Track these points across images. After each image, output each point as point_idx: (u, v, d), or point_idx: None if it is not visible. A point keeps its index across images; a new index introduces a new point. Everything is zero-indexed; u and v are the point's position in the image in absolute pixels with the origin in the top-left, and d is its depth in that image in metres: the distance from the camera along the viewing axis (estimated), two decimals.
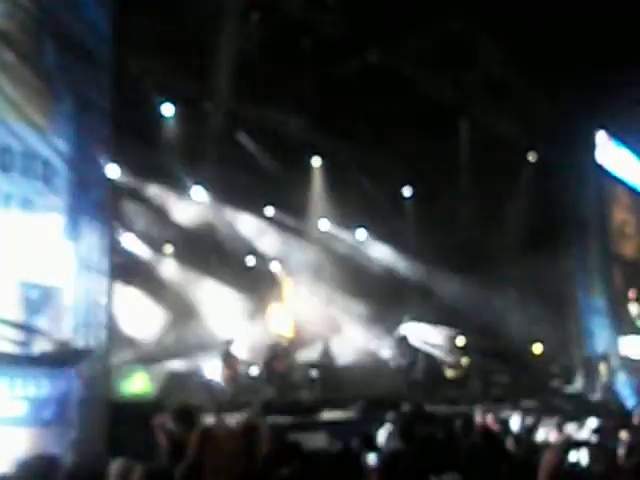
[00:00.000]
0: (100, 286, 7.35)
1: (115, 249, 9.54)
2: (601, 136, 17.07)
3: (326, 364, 14.48)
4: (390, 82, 13.41)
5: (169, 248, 14.72)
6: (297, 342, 15.43)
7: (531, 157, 16.52)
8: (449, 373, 14.83)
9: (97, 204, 7.40)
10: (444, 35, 12.85)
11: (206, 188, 14.17)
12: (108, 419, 7.39)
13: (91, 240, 7.34)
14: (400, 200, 17.19)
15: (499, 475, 4.72)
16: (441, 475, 4.22)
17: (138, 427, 7.08)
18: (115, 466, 4.74)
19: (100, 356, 7.44)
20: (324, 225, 16.51)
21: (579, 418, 9.18)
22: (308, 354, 14.71)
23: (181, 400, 7.76)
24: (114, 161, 8.19)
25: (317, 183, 15.93)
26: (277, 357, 13.21)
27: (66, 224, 7.23)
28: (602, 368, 14.95)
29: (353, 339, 15.89)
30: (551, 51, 13.27)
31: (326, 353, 14.70)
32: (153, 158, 12.92)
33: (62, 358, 7.12)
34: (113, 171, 9.96)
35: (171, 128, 13.12)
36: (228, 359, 12.18)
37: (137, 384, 10.91)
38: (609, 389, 14.61)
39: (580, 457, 4.97)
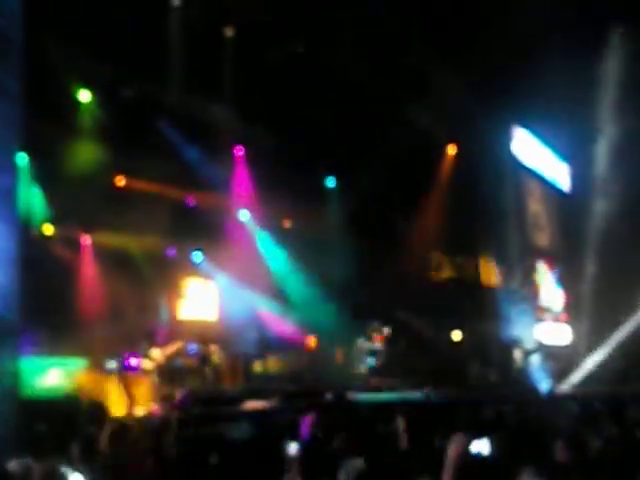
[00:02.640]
0: (8, 277, 7.06)
1: (25, 238, 9.20)
2: (517, 129, 17.64)
3: (254, 354, 14.51)
4: (314, 70, 13.45)
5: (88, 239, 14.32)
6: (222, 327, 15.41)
7: (450, 149, 16.89)
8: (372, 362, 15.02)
9: (5, 191, 7.10)
10: (366, 25, 12.95)
11: (127, 175, 13.85)
12: (19, 416, 7.14)
13: (1, 230, 7.05)
14: (323, 190, 17.27)
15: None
16: (348, 461, 4.28)
17: (52, 423, 6.88)
18: (13, 464, 4.58)
19: (10, 349, 7.16)
20: (244, 216, 16.41)
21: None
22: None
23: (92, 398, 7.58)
24: (24, 148, 7.86)
25: (240, 172, 15.84)
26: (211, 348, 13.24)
27: None
28: (517, 353, 15.51)
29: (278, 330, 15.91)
30: (471, 44, 13.57)
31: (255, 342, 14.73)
32: (69, 144, 12.51)
33: None
34: (22, 158, 9.59)
35: (88, 115, 12.75)
36: (150, 351, 11.99)
37: (51, 379, 10.58)
38: (523, 373, 15.15)
39: (482, 447, 5.08)
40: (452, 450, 3.24)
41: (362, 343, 14.92)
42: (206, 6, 12.58)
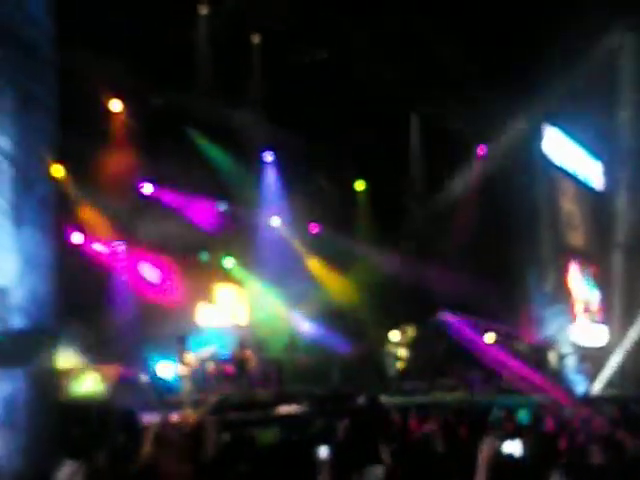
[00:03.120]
0: (47, 285, 7.21)
1: (64, 247, 9.37)
2: (548, 127, 17.45)
3: (285, 359, 14.57)
4: (340, 74, 13.50)
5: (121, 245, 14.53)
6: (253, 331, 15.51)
7: (480, 150, 16.78)
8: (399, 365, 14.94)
9: (41, 201, 7.25)
10: (394, 30, 12.95)
11: (157, 184, 14.03)
12: (57, 421, 7.27)
13: (37, 238, 7.20)
14: (353, 194, 17.29)
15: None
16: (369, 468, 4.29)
17: (88, 428, 6.99)
18: (64, 469, 4.67)
19: (48, 356, 7.31)
20: (276, 221, 16.51)
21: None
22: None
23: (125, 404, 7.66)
24: (60, 158, 8.02)
25: (270, 177, 15.93)
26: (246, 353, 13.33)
27: (10, 223, 7.07)
28: (551, 355, 15.30)
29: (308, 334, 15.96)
30: (500, 45, 13.49)
31: (288, 347, 14.79)
32: (101, 154, 12.71)
33: (10, 359, 6.98)
34: (58, 169, 9.76)
35: (120, 123, 12.94)
36: (183, 356, 12.10)
37: (88, 385, 10.75)
38: (558, 375, 14.95)
39: (514, 448, 5.05)
40: (484, 451, 3.22)
41: (391, 346, 14.83)
42: (233, 14, 12.71)
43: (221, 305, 16.05)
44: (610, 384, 15.05)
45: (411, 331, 14.97)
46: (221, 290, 16.14)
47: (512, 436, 4.99)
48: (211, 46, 12.76)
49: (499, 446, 3.20)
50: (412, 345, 14.94)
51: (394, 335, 14.70)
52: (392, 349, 14.74)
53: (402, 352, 14.78)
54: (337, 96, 13.93)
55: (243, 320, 16.27)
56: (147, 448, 5.17)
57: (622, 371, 15.53)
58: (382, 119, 14.46)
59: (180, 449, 5.13)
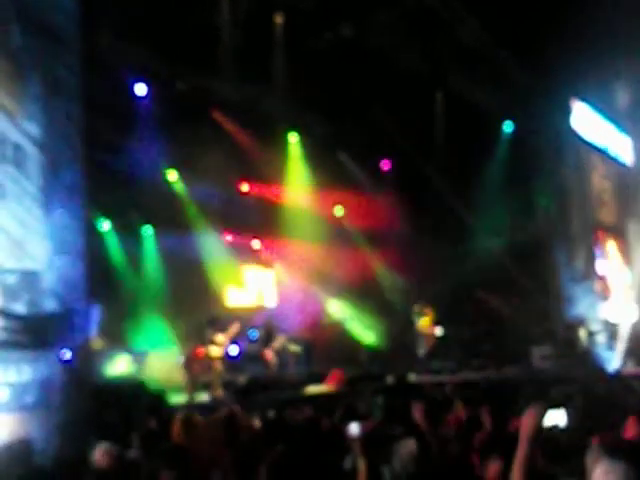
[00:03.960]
0: (76, 268, 7.31)
1: (90, 231, 9.47)
2: (576, 103, 17.13)
3: (311, 339, 14.61)
4: (364, 54, 13.37)
5: (148, 229, 14.68)
6: (281, 312, 15.59)
7: (507, 127, 16.55)
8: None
9: (70, 186, 7.34)
10: (415, 6, 12.77)
11: (179, 168, 14.12)
12: (91, 402, 7.40)
13: (65, 223, 7.28)
14: (379, 174, 17.19)
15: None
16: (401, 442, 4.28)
17: (119, 411, 7.10)
18: (99, 450, 4.75)
19: (81, 339, 7.42)
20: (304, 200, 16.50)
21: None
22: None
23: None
24: (87, 142, 8.07)
25: (294, 158, 15.92)
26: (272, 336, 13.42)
27: (39, 207, 7.16)
28: (582, 332, 15.15)
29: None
30: (525, 19, 13.23)
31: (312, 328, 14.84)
32: (128, 139, 12.77)
33: (43, 342, 7.09)
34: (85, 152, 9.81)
35: (145, 108, 12.97)
36: (215, 336, 12.19)
37: (120, 367, 10.91)
38: (588, 353, 14.81)
39: (558, 419, 5.02)
40: (526, 421, 3.15)
41: (419, 326, 14.72)
42: None
43: (249, 287, 16.15)
44: None
45: (440, 311, 14.88)
46: (249, 272, 16.23)
47: (556, 406, 4.94)
48: (234, 28, 12.69)
49: (542, 416, 3.12)
50: (442, 325, 14.85)
51: (424, 314, 14.61)
52: (422, 328, 14.64)
53: (432, 331, 14.68)
54: (361, 76, 13.79)
55: (271, 302, 16.35)
56: (176, 433, 5.22)
57: None
58: (407, 97, 14.30)
59: (211, 434, 5.16)
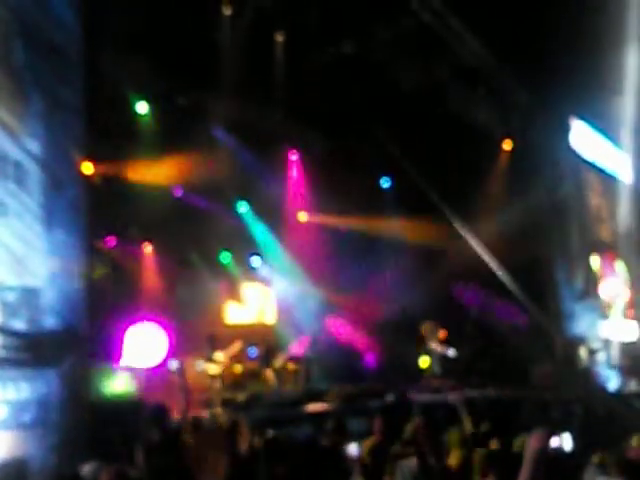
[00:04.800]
0: (77, 286, 7.29)
1: (92, 248, 9.46)
2: (575, 121, 17.20)
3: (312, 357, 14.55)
4: (364, 71, 13.45)
5: (148, 246, 14.66)
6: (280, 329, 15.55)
7: (506, 145, 16.59)
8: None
9: (71, 203, 7.34)
10: (415, 24, 12.86)
11: (179, 184, 14.15)
12: (89, 420, 7.35)
13: (66, 240, 7.28)
14: (379, 191, 17.20)
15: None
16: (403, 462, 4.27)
17: (119, 427, 7.06)
18: (87, 469, 4.72)
19: (79, 356, 7.39)
20: (303, 217, 16.51)
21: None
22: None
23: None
24: (89, 159, 8.09)
25: (294, 175, 15.97)
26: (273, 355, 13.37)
27: (40, 224, 7.16)
28: (582, 351, 15.10)
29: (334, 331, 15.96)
30: (524, 36, 13.32)
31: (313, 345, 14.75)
32: (129, 156, 12.80)
33: (42, 360, 7.06)
34: (87, 170, 9.84)
35: (146, 125, 13.03)
36: (213, 354, 12.16)
37: (119, 384, 10.84)
38: (589, 372, 14.75)
39: (564, 442, 5.00)
40: (533, 443, 3.14)
41: (434, 345, 14.61)
42: (256, 13, 12.71)
43: (249, 304, 16.11)
44: None
45: (443, 330, 14.80)
46: (248, 289, 16.19)
47: (562, 429, 4.92)
48: (235, 46, 12.78)
49: (548, 439, 3.11)
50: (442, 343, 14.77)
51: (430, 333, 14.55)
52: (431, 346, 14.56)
53: (432, 349, 14.59)
54: (361, 94, 13.87)
55: (270, 319, 16.31)
56: (186, 435, 5.27)
57: None
58: (407, 115, 14.36)
59: (216, 440, 5.19)
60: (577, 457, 4.63)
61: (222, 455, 4.95)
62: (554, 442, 4.65)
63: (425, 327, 14.54)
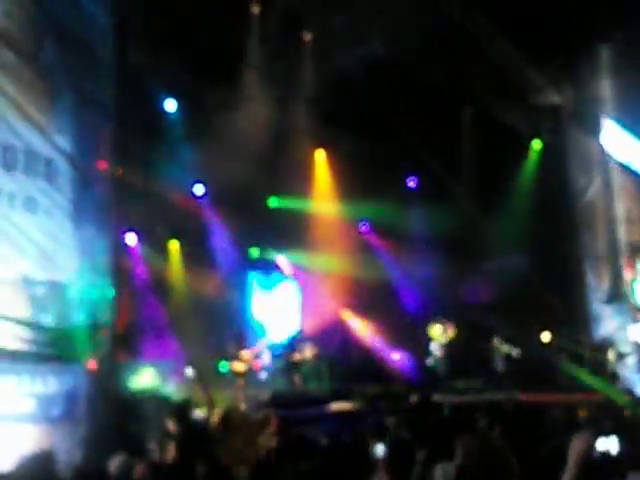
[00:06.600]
0: (104, 282, 7.37)
1: (119, 245, 9.54)
2: (606, 121, 16.95)
3: (336, 356, 14.54)
4: (393, 71, 13.39)
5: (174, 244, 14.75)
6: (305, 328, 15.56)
7: (535, 144, 16.42)
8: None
9: (100, 200, 7.42)
10: (445, 24, 12.77)
11: (207, 182, 14.21)
12: (116, 414, 7.42)
13: (95, 236, 7.36)
14: (405, 191, 17.13)
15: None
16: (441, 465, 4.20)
17: (144, 423, 7.11)
18: (115, 462, 4.76)
19: (107, 352, 7.46)
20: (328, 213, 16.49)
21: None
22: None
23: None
24: (118, 157, 8.16)
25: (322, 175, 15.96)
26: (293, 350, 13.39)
27: (70, 221, 7.24)
28: (610, 355, 14.88)
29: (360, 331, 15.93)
30: (554, 37, 13.17)
31: (337, 346, 14.77)
32: (157, 154, 12.89)
33: (70, 354, 7.15)
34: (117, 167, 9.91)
35: (174, 124, 13.11)
36: (238, 352, 12.20)
37: (144, 379, 10.93)
38: (616, 375, 14.53)
39: (609, 445, 4.87)
40: (577, 447, 3.07)
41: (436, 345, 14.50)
42: (284, 12, 12.73)
43: (274, 301, 16.15)
44: None
45: (452, 330, 14.68)
46: (274, 286, 16.24)
47: (608, 432, 4.80)
48: (264, 45, 12.82)
49: (593, 442, 3.03)
50: (467, 342, 14.68)
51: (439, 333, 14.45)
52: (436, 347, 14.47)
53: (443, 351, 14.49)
54: (390, 93, 13.81)
55: (295, 316, 16.32)
56: (216, 426, 5.32)
57: None
58: (434, 115, 14.28)
59: (246, 433, 5.23)
60: (623, 461, 4.51)
61: (251, 449, 4.98)
62: (600, 445, 4.52)
63: (434, 327, 14.49)
